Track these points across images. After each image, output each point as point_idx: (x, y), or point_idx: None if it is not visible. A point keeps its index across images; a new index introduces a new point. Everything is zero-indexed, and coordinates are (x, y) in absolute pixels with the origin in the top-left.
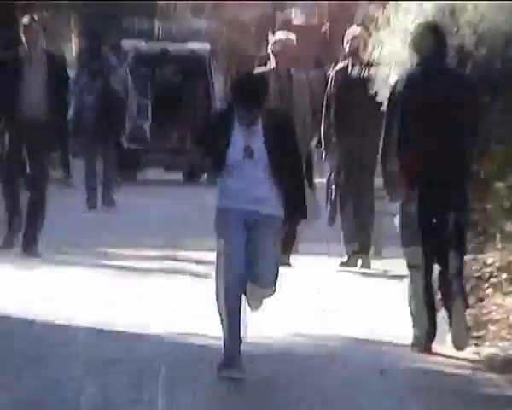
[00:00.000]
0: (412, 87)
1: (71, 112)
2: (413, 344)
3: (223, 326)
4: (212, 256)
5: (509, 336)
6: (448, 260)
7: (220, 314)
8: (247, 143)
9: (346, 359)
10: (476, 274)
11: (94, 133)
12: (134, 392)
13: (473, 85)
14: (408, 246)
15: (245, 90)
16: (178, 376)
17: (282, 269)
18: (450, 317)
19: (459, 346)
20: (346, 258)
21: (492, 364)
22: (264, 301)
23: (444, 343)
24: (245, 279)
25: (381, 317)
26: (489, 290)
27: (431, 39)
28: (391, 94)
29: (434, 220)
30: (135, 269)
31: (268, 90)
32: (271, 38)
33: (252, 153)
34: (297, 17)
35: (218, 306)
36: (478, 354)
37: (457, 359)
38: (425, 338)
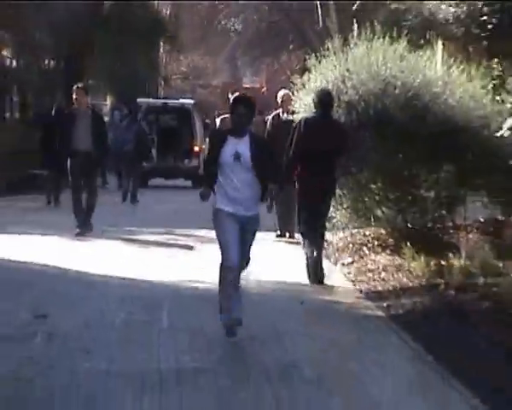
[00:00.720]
0: (307, 126)
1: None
2: (311, 281)
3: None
4: (196, 233)
5: (378, 280)
6: (318, 227)
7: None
8: (236, 149)
9: (280, 295)
10: (359, 241)
11: (131, 158)
12: (149, 315)
13: (343, 128)
14: (300, 222)
15: (239, 114)
16: (177, 305)
17: None
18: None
19: (320, 280)
20: (279, 232)
21: (368, 296)
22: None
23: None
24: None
25: (301, 268)
26: (366, 251)
27: (322, 99)
28: (294, 128)
29: (314, 207)
30: (148, 241)
31: (251, 116)
32: (231, 96)
33: (239, 156)
34: (247, 82)
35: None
36: (360, 290)
37: (348, 293)
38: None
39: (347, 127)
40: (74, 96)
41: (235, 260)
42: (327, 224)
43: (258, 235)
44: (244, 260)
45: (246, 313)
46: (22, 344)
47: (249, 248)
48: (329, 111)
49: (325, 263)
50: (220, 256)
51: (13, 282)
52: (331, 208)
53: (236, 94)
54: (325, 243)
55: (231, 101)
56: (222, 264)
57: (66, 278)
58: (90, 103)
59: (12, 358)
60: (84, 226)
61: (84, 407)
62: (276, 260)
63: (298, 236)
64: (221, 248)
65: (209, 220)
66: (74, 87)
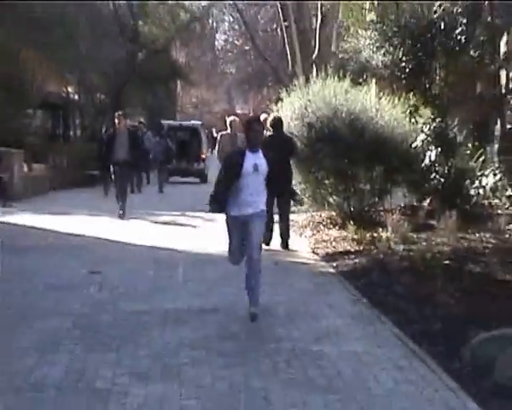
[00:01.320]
0: (268, 140)
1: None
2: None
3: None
4: (201, 215)
5: (330, 247)
6: (283, 211)
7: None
8: (254, 161)
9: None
10: (317, 220)
11: (160, 164)
12: (169, 272)
13: (293, 141)
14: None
15: (255, 131)
16: (188, 265)
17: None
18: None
19: (284, 247)
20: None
21: (323, 258)
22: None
23: (305, 250)
24: (243, 254)
25: (275, 240)
26: (322, 227)
27: (275, 122)
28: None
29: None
30: (168, 221)
31: (263, 133)
32: (228, 119)
33: (257, 167)
34: (239, 109)
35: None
36: (317, 254)
37: (309, 256)
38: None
39: (309, 140)
40: (116, 120)
41: (236, 262)
42: (294, 208)
43: None
44: (254, 247)
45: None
46: (82, 291)
47: (259, 238)
48: (281, 129)
49: (292, 235)
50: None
51: (75, 248)
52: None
53: (250, 116)
54: (291, 222)
55: (247, 122)
56: (228, 259)
57: (112, 245)
58: (128, 125)
59: (75, 300)
60: (123, 211)
61: (127, 333)
62: None
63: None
64: (228, 248)
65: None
66: (116, 114)
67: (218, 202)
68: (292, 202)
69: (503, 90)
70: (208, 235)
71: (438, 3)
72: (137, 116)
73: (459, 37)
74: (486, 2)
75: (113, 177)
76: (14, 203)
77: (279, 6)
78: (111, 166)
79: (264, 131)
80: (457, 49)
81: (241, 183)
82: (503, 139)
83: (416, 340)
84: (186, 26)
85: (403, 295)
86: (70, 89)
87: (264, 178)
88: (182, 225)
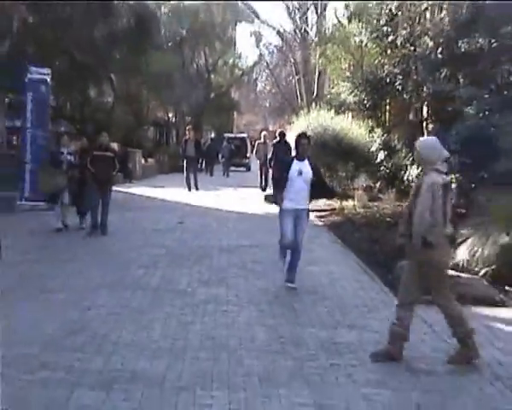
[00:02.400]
0: (276, 144)
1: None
2: None
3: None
4: (246, 190)
5: (321, 210)
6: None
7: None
8: (299, 168)
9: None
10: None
11: (226, 160)
12: (224, 223)
13: (289, 144)
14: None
15: (301, 145)
16: (235, 220)
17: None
18: None
19: None
20: (260, 190)
21: (316, 216)
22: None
23: None
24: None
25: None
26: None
27: (280, 134)
28: (273, 145)
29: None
30: (224, 193)
31: (309, 146)
32: (262, 133)
33: (301, 172)
34: (271, 127)
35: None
36: (313, 213)
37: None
38: None
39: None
40: (187, 132)
41: (288, 241)
42: None
43: (250, 190)
44: (299, 241)
45: (267, 223)
46: (171, 233)
47: (302, 234)
48: (283, 137)
49: None
50: (280, 235)
51: (169, 208)
52: None
53: (300, 132)
54: None
55: (296, 137)
56: (280, 242)
57: (190, 207)
58: (208, 138)
59: (168, 238)
60: (195, 188)
61: (197, 257)
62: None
63: None
64: (281, 233)
65: (251, 183)
66: (187, 127)
67: (274, 200)
68: None
69: (424, 118)
70: (248, 202)
71: (385, 67)
72: (210, 131)
73: (398, 87)
74: (414, 67)
75: (185, 166)
76: (135, 181)
77: (294, 68)
78: (185, 160)
79: (272, 140)
80: (397, 93)
81: (289, 184)
82: None
83: (369, 265)
84: (239, 77)
85: (362, 239)
86: (170, 114)
87: (308, 183)
88: (232, 196)
